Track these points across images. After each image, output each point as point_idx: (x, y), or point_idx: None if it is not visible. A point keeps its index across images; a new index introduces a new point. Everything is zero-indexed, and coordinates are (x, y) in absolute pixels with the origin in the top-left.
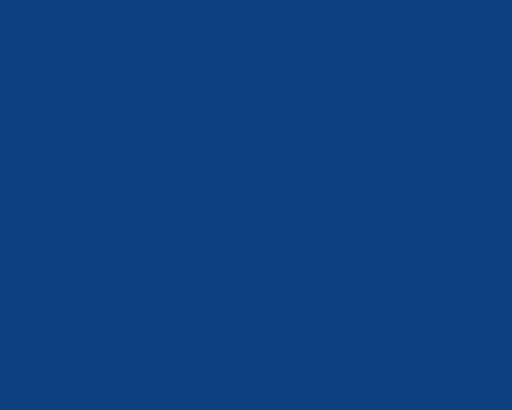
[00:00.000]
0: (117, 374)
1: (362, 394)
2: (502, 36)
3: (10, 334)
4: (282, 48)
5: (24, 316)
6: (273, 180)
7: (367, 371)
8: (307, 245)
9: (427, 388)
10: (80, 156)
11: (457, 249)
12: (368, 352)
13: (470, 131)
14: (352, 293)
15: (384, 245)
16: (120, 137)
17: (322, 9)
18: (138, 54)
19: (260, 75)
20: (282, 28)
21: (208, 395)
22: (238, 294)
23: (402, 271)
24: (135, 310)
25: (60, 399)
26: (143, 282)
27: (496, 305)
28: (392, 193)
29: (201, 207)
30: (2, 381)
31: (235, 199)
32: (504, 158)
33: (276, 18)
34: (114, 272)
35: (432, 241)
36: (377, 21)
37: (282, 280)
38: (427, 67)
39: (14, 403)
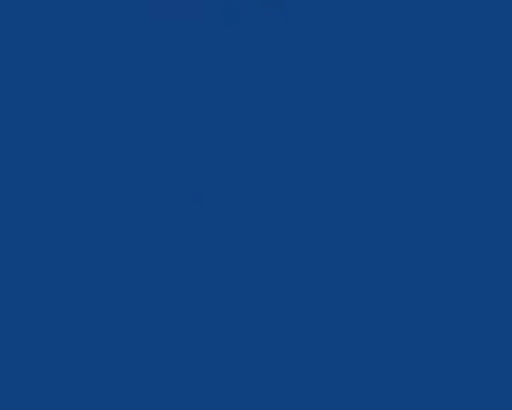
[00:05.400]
0: (117, 374)
1: (362, 394)
2: (502, 36)
3: (10, 334)
4: (282, 48)
5: (24, 316)
6: (273, 180)
7: (367, 371)
8: (307, 245)
9: (427, 388)
10: (80, 156)
11: (457, 249)
12: (368, 352)
13: (470, 131)
14: (352, 293)
15: (384, 245)
16: (120, 137)
17: (322, 9)
18: (138, 54)
19: (260, 75)
20: (282, 28)
21: (208, 395)
22: (238, 294)
23: (402, 271)
24: (135, 310)
25: (60, 399)
26: (143, 282)
27: (496, 305)
28: (392, 193)
29: (201, 207)
30: (2, 381)
31: (236, 199)
32: (504, 158)
33: (276, 18)
34: (114, 272)
35: (432, 241)
36: (377, 21)
37: (282, 280)
38: (427, 67)
39: (14, 403)
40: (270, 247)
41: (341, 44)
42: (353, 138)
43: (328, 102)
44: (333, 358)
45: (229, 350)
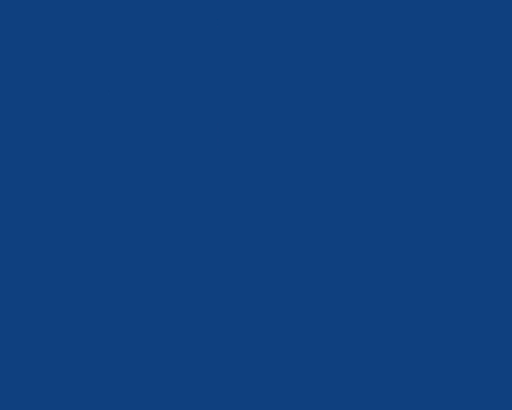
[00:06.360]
0: (117, 374)
1: (362, 394)
2: (502, 36)
3: (10, 334)
4: (282, 48)
5: (24, 316)
6: (273, 180)
7: (367, 371)
8: (307, 245)
9: (427, 388)
10: (80, 156)
11: (457, 249)
12: (368, 352)
13: (470, 132)
14: (351, 293)
15: (384, 245)
16: (120, 137)
17: (322, 9)
18: (138, 54)
19: (260, 75)
20: (281, 28)
21: (208, 395)
22: (238, 294)
23: (402, 271)
24: (135, 310)
25: (60, 399)
26: (143, 282)
27: (496, 305)
28: (392, 193)
29: (201, 207)
30: (2, 381)
31: (236, 199)
32: (504, 158)
33: (276, 18)
34: (114, 273)
35: (432, 241)
36: (377, 21)
37: (282, 280)
38: (427, 67)
39: (14, 403)
40: (270, 247)
41: (341, 44)
42: (353, 138)
43: (328, 103)
44: (333, 358)
45: (229, 350)
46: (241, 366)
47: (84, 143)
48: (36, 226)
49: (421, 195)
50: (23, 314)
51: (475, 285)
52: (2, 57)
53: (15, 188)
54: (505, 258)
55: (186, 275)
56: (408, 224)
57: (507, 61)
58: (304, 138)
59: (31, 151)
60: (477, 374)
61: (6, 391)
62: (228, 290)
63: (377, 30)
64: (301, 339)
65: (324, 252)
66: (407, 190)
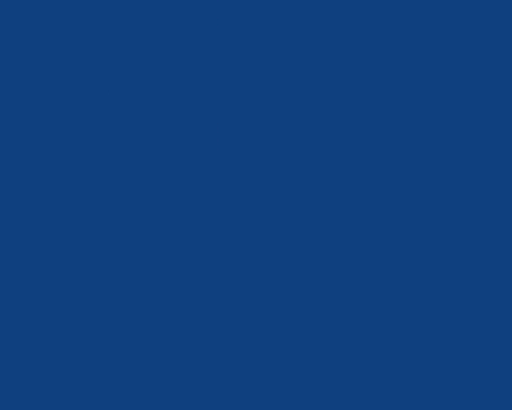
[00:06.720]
0: (117, 374)
1: (362, 394)
2: (502, 36)
3: (10, 334)
4: (282, 48)
5: (24, 316)
6: (273, 180)
7: (367, 371)
8: (307, 245)
9: (428, 388)
10: (80, 156)
11: (457, 249)
12: (368, 352)
13: (470, 132)
14: (351, 293)
15: (384, 245)
16: (120, 137)
17: (322, 9)
18: (138, 54)
19: (260, 75)
20: (281, 28)
21: (208, 395)
22: (238, 294)
23: (402, 271)
24: (135, 310)
25: (60, 399)
26: (143, 282)
27: (496, 305)
28: (392, 193)
29: (201, 207)
30: (2, 381)
31: (236, 199)
32: (504, 158)
33: (276, 18)
34: (114, 273)
35: (432, 241)
36: (377, 21)
37: (282, 280)
38: (427, 67)
39: (14, 403)
40: (271, 247)
41: (341, 45)
42: (353, 139)
43: (328, 103)
44: (333, 358)
45: (229, 350)
46: (241, 366)
47: (83, 143)
48: (36, 226)
49: (422, 195)
50: (23, 314)
51: (475, 285)
52: (2, 57)
53: (15, 188)
54: (505, 258)
55: (186, 275)
56: (408, 224)
57: (507, 61)
58: (304, 138)
59: (31, 151)
60: (477, 374)
61: (6, 391)
62: (228, 290)
63: (377, 30)
64: (301, 339)
65: (324, 252)
66: (407, 190)
